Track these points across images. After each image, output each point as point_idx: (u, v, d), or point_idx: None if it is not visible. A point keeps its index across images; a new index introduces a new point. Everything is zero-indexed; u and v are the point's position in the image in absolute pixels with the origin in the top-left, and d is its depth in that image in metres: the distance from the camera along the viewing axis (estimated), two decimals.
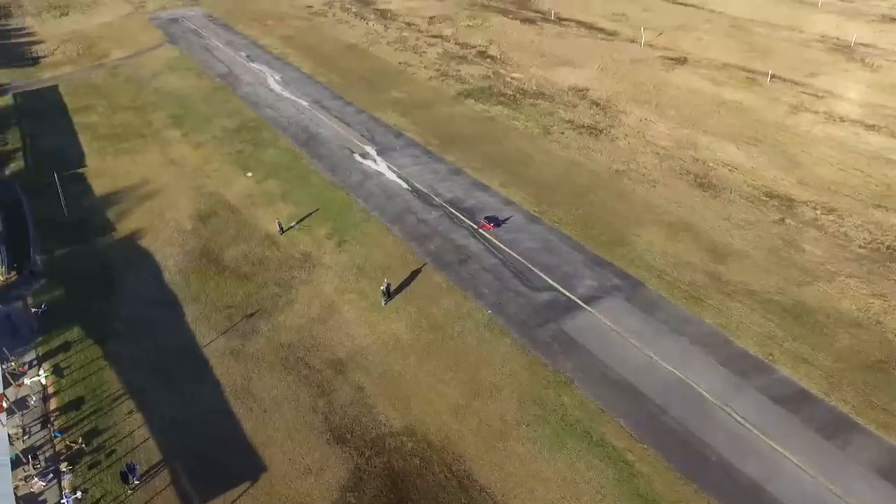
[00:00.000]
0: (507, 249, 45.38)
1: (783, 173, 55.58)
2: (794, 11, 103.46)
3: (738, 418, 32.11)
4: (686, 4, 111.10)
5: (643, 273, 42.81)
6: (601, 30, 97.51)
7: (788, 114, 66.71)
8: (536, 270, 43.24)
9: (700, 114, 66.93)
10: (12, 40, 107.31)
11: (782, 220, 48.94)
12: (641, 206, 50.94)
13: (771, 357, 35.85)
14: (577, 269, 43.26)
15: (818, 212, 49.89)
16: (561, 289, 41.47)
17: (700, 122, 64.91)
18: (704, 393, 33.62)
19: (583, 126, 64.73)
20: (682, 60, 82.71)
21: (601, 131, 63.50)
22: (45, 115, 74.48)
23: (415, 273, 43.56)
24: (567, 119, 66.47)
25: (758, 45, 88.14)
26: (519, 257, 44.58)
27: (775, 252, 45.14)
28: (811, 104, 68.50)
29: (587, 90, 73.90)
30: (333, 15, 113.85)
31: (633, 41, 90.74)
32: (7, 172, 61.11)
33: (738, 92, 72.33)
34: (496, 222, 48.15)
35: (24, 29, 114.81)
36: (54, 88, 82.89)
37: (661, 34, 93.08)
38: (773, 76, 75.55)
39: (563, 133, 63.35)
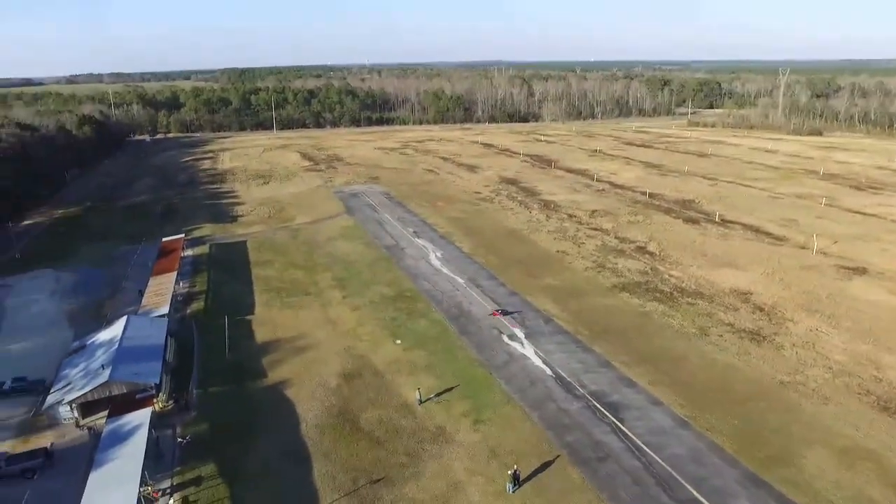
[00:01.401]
0: (650, 453, 41.82)
1: None
2: None
3: None
4: (865, 214, 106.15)
5: (812, 503, 37.31)
6: (768, 234, 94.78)
7: None
8: (682, 480, 39.13)
9: (882, 329, 60.78)
10: (221, 201, 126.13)
11: None
12: (810, 424, 45.54)
13: None
14: (728, 486, 38.62)
15: None
16: None
17: (883, 339, 58.74)
18: None
19: (744, 330, 60.93)
20: (861, 270, 77.33)
21: (764, 338, 59.27)
22: (231, 265, 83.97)
23: (547, 464, 41.06)
24: (727, 322, 63.06)
25: None
26: (664, 463, 40.78)
27: None
28: None
29: (750, 294, 70.43)
30: (500, 202, 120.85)
31: (803, 247, 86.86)
32: (188, 311, 68.44)
33: None
34: (506, 312, 63.58)
35: (231, 192, 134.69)
36: (244, 243, 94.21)
37: (836, 242, 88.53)
38: None
39: (721, 336, 59.86)
